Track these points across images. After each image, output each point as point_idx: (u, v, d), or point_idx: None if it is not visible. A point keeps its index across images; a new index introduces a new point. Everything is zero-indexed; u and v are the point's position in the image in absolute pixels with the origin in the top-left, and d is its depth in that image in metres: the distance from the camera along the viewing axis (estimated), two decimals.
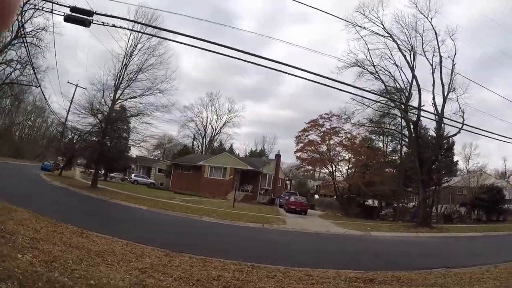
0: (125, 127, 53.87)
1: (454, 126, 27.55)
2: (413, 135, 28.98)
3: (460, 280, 9.65)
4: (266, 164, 47.76)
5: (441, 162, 38.15)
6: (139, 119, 35.53)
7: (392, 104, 29.84)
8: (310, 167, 41.68)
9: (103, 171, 53.76)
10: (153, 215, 21.19)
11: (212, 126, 76.12)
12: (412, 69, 28.25)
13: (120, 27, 15.09)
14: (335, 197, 42.33)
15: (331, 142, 37.45)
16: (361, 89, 21.77)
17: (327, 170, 38.81)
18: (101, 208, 21.69)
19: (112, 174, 58.73)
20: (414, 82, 28.30)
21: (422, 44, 27.96)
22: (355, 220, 31.17)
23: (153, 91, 33.37)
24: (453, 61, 27.30)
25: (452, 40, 27.33)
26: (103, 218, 17.98)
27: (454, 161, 43.60)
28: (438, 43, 27.64)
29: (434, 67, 27.75)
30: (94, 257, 7.79)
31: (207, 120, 75.79)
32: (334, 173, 38.23)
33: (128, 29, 25.44)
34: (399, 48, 28.05)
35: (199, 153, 68.15)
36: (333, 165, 37.79)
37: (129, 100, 34.11)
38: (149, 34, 29.19)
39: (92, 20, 10.99)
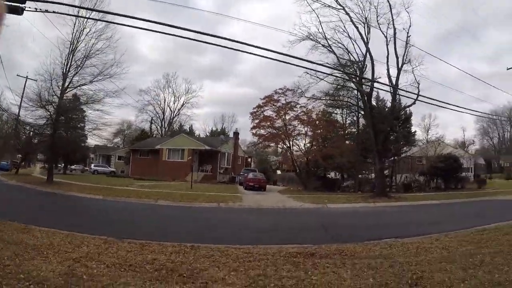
0: (79, 116, 51.49)
1: (410, 98, 27.18)
2: (367, 106, 27.99)
3: (407, 251, 8.99)
4: (224, 143, 46.48)
5: (399, 133, 37.82)
6: (91, 106, 34.66)
7: (346, 77, 28.78)
8: (267, 143, 40.20)
9: (62, 165, 53.51)
10: (107, 203, 20.25)
11: (170, 108, 74.10)
12: (366, 42, 27.35)
13: (61, 13, 14.32)
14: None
15: (287, 117, 36.19)
16: (314, 63, 20.49)
17: (284, 146, 37.64)
18: (53, 202, 20.56)
19: (73, 167, 57.05)
20: (368, 55, 27.53)
21: (377, 17, 27.08)
22: (314, 194, 30.28)
23: (103, 77, 31.69)
24: (407, 33, 26.62)
25: (408, 12, 26.67)
26: (52, 211, 16.87)
27: (412, 131, 43.61)
28: (392, 16, 26.77)
29: (388, 39, 27.08)
30: (30, 252, 7.54)
31: (164, 102, 73.55)
32: (292, 148, 37.09)
33: (72, 15, 24.89)
34: (351, 20, 26.98)
35: (158, 136, 65.64)
36: (290, 139, 36.61)
37: (79, 88, 32.58)
38: (96, 19, 27.90)
39: (25, 7, 9.79)
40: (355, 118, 39.28)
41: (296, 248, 8.99)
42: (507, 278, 6.28)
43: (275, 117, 36.06)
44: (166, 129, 71.41)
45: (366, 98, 27.86)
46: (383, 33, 27.23)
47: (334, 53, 27.50)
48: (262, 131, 36.86)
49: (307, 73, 27.22)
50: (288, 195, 29.14)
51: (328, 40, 27.42)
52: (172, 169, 42.10)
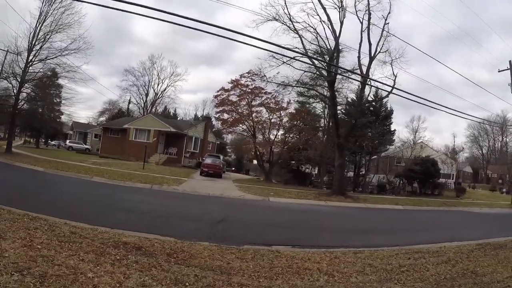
0: (56, 91, 48.85)
1: (384, 90, 23.93)
2: (330, 95, 24.37)
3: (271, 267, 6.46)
4: (193, 126, 43.12)
5: (376, 129, 34.26)
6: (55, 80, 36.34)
7: (315, 62, 24.85)
8: (231, 129, 36.63)
9: (43, 140, 54.31)
10: (38, 175, 19.00)
11: (154, 90, 69.79)
12: (340, 26, 23.77)
13: None
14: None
15: (253, 103, 32.56)
16: (278, 46, 16.58)
17: (249, 133, 34.04)
18: None
19: (52, 142, 56.64)
20: (334, 39, 23.77)
21: (355, 2, 23.58)
22: (273, 186, 27.09)
23: (69, 51, 30.67)
24: (385, 19, 23.27)
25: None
26: None
27: (392, 130, 39.97)
28: None
29: (363, 25, 23.66)
30: None
31: (149, 84, 69.21)
32: (256, 136, 33.51)
33: None
34: (320, 3, 23.22)
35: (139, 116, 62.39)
36: (253, 127, 33.06)
37: (47, 61, 31.15)
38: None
39: None
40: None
41: (135, 238, 7.25)
42: None
43: (239, 102, 32.31)
44: (149, 110, 67.59)
45: (328, 85, 24.07)
46: (359, 19, 23.76)
47: (300, 37, 23.71)
48: (226, 116, 33.28)
49: (273, 57, 23.71)
50: (240, 184, 25.95)
51: (295, 24, 23.79)
52: (138, 149, 38.76)
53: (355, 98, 38.08)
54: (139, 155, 37.22)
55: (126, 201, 13.73)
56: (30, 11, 29.42)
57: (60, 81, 37.35)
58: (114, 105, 71.52)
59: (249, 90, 31.79)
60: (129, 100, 68.27)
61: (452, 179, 46.20)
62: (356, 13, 23.64)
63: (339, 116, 29.02)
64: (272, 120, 33.11)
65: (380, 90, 38.10)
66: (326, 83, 25.86)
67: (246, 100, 32.31)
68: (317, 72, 24.19)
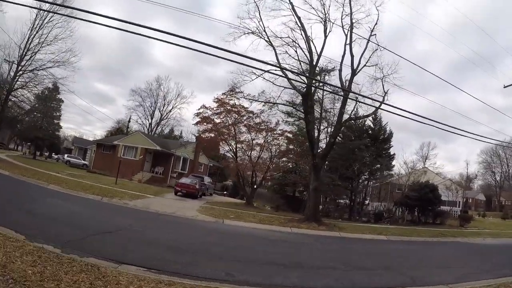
0: (56, 105, 48.57)
1: (371, 106, 21.34)
2: (304, 109, 21.80)
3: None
4: (182, 146, 41.17)
5: (366, 152, 31.33)
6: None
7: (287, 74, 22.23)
8: (211, 148, 34.23)
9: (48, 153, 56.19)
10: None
11: (160, 111, 68.60)
12: (324, 39, 21.52)
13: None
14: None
15: (238, 122, 30.13)
16: (250, 58, 14.22)
17: (231, 154, 31.54)
18: None
19: (55, 156, 57.41)
20: (307, 48, 21.43)
21: (342, 15, 21.37)
22: (250, 210, 24.55)
23: (56, 64, 32.19)
24: (371, 31, 20.98)
25: (377, 10, 20.91)
26: None
27: (391, 154, 36.87)
28: (350, 5, 21.00)
29: (348, 38, 21.38)
30: None
31: (154, 104, 68.11)
32: (237, 157, 30.94)
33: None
34: (294, 11, 20.90)
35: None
36: (237, 148, 30.63)
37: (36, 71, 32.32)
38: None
39: None
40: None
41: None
42: None
43: (223, 121, 30.02)
44: (153, 131, 66.30)
45: (302, 98, 21.44)
46: (344, 32, 21.53)
47: (274, 48, 21.15)
48: (210, 135, 30.83)
49: (253, 73, 21.35)
50: (207, 205, 23.46)
51: (271, 37, 21.40)
52: (126, 166, 37.31)
53: (353, 122, 35.71)
54: (127, 172, 35.71)
55: (42, 206, 13.06)
56: (25, 22, 30.84)
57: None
58: (122, 124, 70.39)
59: (234, 109, 29.40)
60: (129, 118, 67.40)
61: (459, 206, 42.32)
62: (342, 26, 21.46)
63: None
64: (257, 141, 30.58)
65: (379, 113, 36.05)
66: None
67: (230, 119, 29.89)
68: (292, 86, 21.46)
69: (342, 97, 21.71)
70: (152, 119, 67.47)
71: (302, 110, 23.34)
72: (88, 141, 63.86)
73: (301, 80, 21.34)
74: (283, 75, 19.91)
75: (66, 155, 55.31)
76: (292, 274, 8.50)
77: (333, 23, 21.47)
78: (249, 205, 28.53)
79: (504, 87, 28.94)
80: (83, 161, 51.74)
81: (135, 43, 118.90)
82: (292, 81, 20.82)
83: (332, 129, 25.58)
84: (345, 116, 23.70)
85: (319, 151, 22.89)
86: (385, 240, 18.75)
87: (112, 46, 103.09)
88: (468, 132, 20.59)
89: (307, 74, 21.07)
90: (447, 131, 16.16)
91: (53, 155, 58.47)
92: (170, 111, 67.77)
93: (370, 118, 36.73)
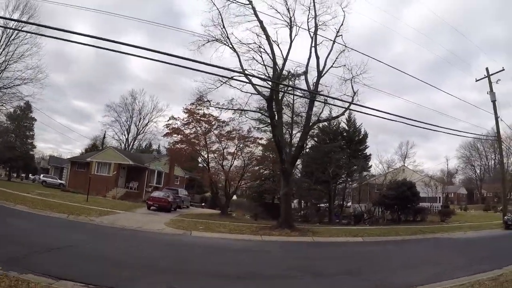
0: (29, 124, 47.27)
1: (341, 107, 21.10)
2: (269, 114, 21.19)
3: None
4: (155, 159, 40.17)
5: (340, 154, 30.83)
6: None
7: (251, 80, 21.53)
8: (181, 159, 33.11)
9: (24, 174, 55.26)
10: None
11: (136, 126, 66.80)
12: (290, 43, 21.05)
13: None
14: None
15: (209, 132, 29.31)
16: (212, 65, 13.52)
17: (204, 164, 30.66)
18: None
19: (32, 176, 55.55)
20: (270, 51, 20.77)
21: (309, 16, 21.00)
22: (223, 220, 23.59)
23: (23, 81, 32.97)
24: (337, 32, 20.65)
25: (343, 11, 20.64)
26: None
27: (367, 155, 36.51)
28: (314, 6, 20.58)
29: (313, 40, 20.96)
30: None
31: (130, 119, 66.26)
32: (209, 166, 30.10)
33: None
34: (256, 14, 20.24)
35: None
36: (209, 158, 29.93)
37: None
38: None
39: None
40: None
41: None
42: None
43: (191, 132, 29.21)
44: (130, 147, 64.95)
45: (267, 103, 20.78)
46: (310, 35, 21.11)
47: (238, 55, 20.51)
48: (179, 145, 29.89)
49: (220, 80, 20.58)
50: (178, 218, 22.64)
51: (235, 43, 20.74)
52: (100, 182, 36.46)
53: (327, 124, 35.28)
54: (101, 189, 34.79)
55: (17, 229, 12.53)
56: None
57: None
58: (98, 141, 68.61)
59: (203, 119, 28.58)
60: (104, 134, 65.39)
61: (439, 202, 42.16)
62: (308, 29, 21.08)
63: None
64: (229, 150, 29.80)
65: (353, 115, 35.79)
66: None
67: (200, 129, 29.08)
68: (256, 91, 20.81)
69: (313, 101, 21.12)
70: (128, 134, 65.77)
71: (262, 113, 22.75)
72: (64, 160, 61.78)
73: (267, 85, 20.82)
74: (247, 81, 19.33)
75: (42, 175, 53.37)
76: (238, 286, 7.80)
77: (299, 27, 21.10)
78: (224, 215, 27.59)
79: (476, 80, 29.30)
80: (59, 181, 49.71)
81: (110, 57, 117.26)
82: (257, 86, 20.26)
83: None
84: (315, 119, 23.20)
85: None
86: (360, 242, 18.08)
87: (87, 61, 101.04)
88: (446, 128, 20.29)
89: (274, 79, 20.52)
90: (426, 128, 15.89)
91: (30, 176, 56.60)
92: (146, 125, 65.99)
93: (344, 120, 36.53)
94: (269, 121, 27.00)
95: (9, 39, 32.50)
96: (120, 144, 64.74)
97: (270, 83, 20.81)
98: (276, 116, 21.63)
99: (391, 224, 29.01)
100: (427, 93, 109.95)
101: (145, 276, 7.92)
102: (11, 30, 30.99)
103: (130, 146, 65.20)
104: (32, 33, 27.89)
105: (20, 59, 33.01)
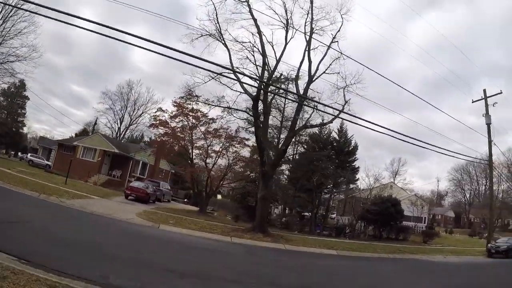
0: (21, 102, 46.73)
1: (331, 114, 20.06)
2: (253, 113, 20.62)
3: None
4: (142, 150, 39.74)
5: (327, 163, 30.12)
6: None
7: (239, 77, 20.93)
8: (165, 152, 32.41)
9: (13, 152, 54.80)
10: None
11: (130, 116, 66.10)
12: (284, 45, 20.64)
13: None
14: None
15: (195, 128, 28.68)
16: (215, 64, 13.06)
17: (187, 158, 29.87)
18: None
19: (21, 155, 54.78)
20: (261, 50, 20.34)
21: (307, 20, 20.56)
22: (200, 218, 22.83)
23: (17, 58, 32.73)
24: (333, 37, 20.18)
25: (342, 18, 20.20)
26: None
27: (356, 167, 35.79)
28: (312, 10, 20.16)
29: (308, 43, 20.52)
30: None
31: (125, 108, 65.57)
32: (192, 161, 29.38)
33: None
34: (251, 12, 19.73)
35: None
36: (192, 153, 29.22)
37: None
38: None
39: None
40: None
41: None
42: None
43: (178, 125, 28.61)
44: (122, 136, 64.41)
45: (252, 103, 20.11)
46: (305, 37, 20.59)
47: (229, 52, 19.93)
48: (164, 138, 29.15)
49: (210, 76, 19.92)
50: (151, 210, 21.94)
51: (230, 42, 20.22)
52: (83, 167, 36.40)
53: (317, 132, 34.62)
54: (85, 173, 34.68)
55: None
56: None
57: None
58: (88, 126, 67.95)
59: (191, 113, 27.89)
60: (96, 120, 64.69)
61: (424, 222, 41.44)
62: (305, 33, 20.61)
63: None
64: (214, 148, 29.18)
65: (345, 126, 35.18)
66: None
67: (188, 123, 28.40)
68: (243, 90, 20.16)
69: (301, 105, 20.68)
70: (121, 123, 65.16)
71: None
72: (53, 142, 61.34)
73: (256, 85, 20.22)
74: (235, 78, 18.75)
75: (29, 154, 52.82)
76: (175, 282, 7.20)
77: (296, 30, 20.58)
78: (202, 213, 26.83)
79: (473, 102, 28.80)
80: (46, 161, 49.26)
81: (113, 46, 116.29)
82: (246, 85, 19.65)
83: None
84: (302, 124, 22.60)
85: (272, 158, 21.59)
86: (333, 255, 17.44)
87: (89, 46, 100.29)
88: (439, 147, 19.65)
89: (262, 79, 19.89)
90: (418, 146, 15.37)
91: (19, 154, 55.97)
92: (140, 115, 65.47)
93: (336, 130, 35.86)
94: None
95: (7, 15, 32.36)
96: (112, 133, 64.12)
97: (258, 82, 20.20)
98: (263, 118, 21.13)
99: (372, 240, 28.31)
100: (424, 112, 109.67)
101: (80, 258, 7.40)
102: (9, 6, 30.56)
103: (122, 136, 64.71)
104: (32, 12, 27.43)
105: (16, 36, 32.88)
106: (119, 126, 65.13)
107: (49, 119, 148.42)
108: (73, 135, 62.73)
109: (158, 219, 17.78)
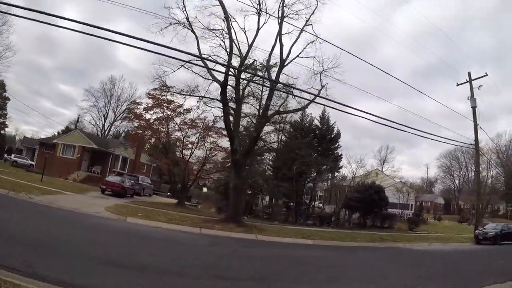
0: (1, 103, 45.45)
1: (305, 98, 19.44)
2: (221, 99, 19.72)
3: None
4: (121, 145, 39.10)
5: (308, 151, 29.32)
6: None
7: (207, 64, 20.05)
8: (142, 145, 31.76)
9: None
10: None
11: (114, 112, 65.44)
12: (257, 30, 20.16)
13: None
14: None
15: (174, 120, 27.90)
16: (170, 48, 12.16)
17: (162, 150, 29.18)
18: None
19: (6, 157, 53.64)
20: (229, 37, 19.76)
21: (280, 4, 19.88)
22: (175, 210, 22.25)
23: None
24: (307, 20, 19.52)
25: (317, 0, 19.44)
26: None
27: (339, 155, 35.05)
28: None
29: (280, 25, 19.97)
30: None
31: (109, 105, 64.88)
32: (168, 153, 28.63)
33: None
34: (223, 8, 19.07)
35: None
36: (168, 144, 28.60)
37: None
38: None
39: None
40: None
41: None
42: None
43: (152, 117, 27.73)
44: (106, 133, 63.61)
45: (220, 90, 19.26)
46: (278, 22, 19.94)
47: (197, 39, 19.26)
48: (139, 131, 28.30)
49: (182, 65, 19.08)
50: (124, 204, 21.31)
51: (202, 30, 19.54)
52: (64, 165, 35.75)
53: (299, 120, 33.85)
54: (65, 171, 34.15)
55: None
56: None
57: None
58: (71, 124, 66.99)
59: (165, 105, 26.97)
60: (78, 117, 63.47)
61: (412, 209, 40.94)
62: (278, 18, 19.86)
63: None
64: (191, 140, 28.32)
65: (327, 112, 34.41)
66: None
67: (163, 114, 27.52)
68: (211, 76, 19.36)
69: (272, 90, 19.94)
70: (105, 120, 64.56)
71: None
72: (36, 142, 60.66)
73: (230, 73, 19.41)
74: (203, 65, 17.93)
75: (13, 155, 52.04)
76: (115, 273, 6.59)
77: (270, 15, 19.79)
78: (179, 205, 26.10)
79: (457, 85, 28.05)
80: (30, 161, 48.70)
81: (96, 41, 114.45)
82: (216, 72, 18.87)
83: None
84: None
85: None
86: (307, 245, 16.61)
87: (74, 44, 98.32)
88: (427, 133, 19.07)
89: (234, 65, 19.18)
90: (406, 131, 14.55)
91: (5, 155, 54.93)
92: (124, 111, 64.11)
93: (318, 117, 35.13)
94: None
95: None
96: (97, 130, 63.24)
97: (230, 69, 19.33)
98: (235, 105, 20.35)
99: (357, 228, 27.74)
100: (413, 100, 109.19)
101: (20, 249, 7.00)
102: None
103: (107, 132, 63.96)
104: (5, 13, 26.58)
105: None
106: (103, 123, 64.55)
107: (37, 120, 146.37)
108: (56, 133, 61.79)
109: (126, 212, 17.11)
